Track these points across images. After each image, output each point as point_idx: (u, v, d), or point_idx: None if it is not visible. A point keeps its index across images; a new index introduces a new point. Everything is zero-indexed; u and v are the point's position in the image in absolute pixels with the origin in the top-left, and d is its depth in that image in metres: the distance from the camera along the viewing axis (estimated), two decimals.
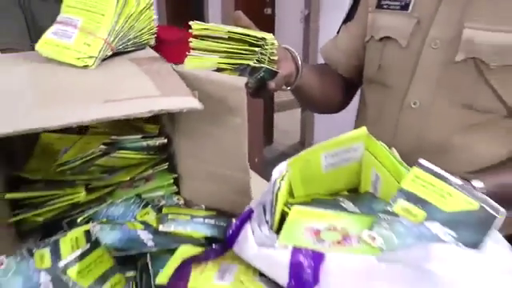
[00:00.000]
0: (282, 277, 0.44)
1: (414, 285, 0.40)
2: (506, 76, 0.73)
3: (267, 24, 3.38)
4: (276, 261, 0.44)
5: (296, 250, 0.44)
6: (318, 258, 0.43)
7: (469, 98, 0.76)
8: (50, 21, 0.66)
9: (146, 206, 0.69)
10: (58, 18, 0.64)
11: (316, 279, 0.42)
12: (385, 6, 0.88)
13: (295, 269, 0.43)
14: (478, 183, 0.67)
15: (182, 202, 0.72)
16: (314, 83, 0.92)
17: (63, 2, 0.65)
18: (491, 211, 0.44)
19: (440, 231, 0.45)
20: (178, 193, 0.73)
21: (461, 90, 0.77)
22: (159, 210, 0.69)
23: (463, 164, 0.77)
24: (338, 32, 1.01)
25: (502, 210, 0.44)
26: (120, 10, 0.63)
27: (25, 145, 0.70)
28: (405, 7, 0.85)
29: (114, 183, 0.68)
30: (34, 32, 1.42)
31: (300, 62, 0.83)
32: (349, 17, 0.98)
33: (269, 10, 3.52)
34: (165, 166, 0.72)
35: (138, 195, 0.70)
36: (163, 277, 0.52)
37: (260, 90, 0.75)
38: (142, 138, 0.68)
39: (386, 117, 0.86)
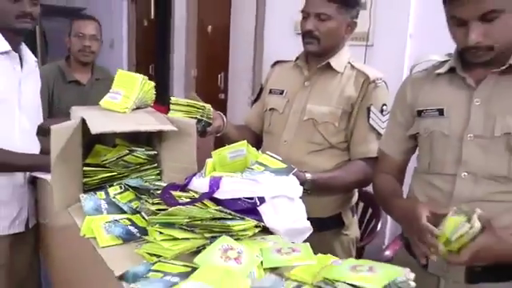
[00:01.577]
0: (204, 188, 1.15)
1: (252, 186, 1.13)
2: (328, 127, 1.53)
3: (221, 106, 4.21)
4: (202, 182, 1.16)
5: (212, 178, 1.16)
6: (218, 179, 1.15)
7: (310, 138, 1.55)
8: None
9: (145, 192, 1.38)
10: (111, 90, 1.39)
11: (218, 186, 1.14)
12: (273, 93, 1.69)
13: (211, 181, 1.15)
14: (308, 175, 1.43)
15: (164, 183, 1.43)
16: (234, 133, 1.68)
17: (114, 81, 1.41)
18: (292, 170, 1.19)
19: (269, 173, 1.19)
20: (160, 179, 1.44)
21: (306, 134, 1.55)
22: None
23: (309, 169, 1.52)
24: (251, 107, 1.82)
25: (294, 168, 1.20)
26: (140, 88, 1.39)
27: (87, 152, 1.41)
28: (282, 93, 1.65)
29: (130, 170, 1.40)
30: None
31: (225, 120, 1.61)
32: (256, 99, 1.78)
33: (222, 95, 4.38)
34: (155, 164, 1.44)
35: (141, 177, 1.41)
36: None
37: (203, 132, 1.51)
38: (145, 149, 1.40)
39: (274, 147, 1.60)
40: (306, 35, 1.55)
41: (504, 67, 1.13)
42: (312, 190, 1.40)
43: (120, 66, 5.51)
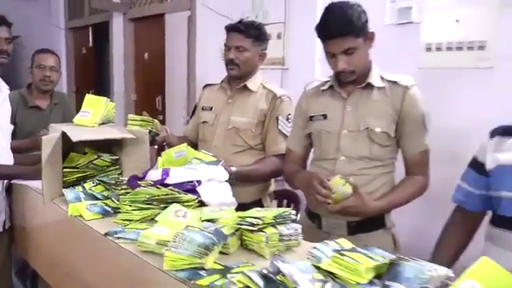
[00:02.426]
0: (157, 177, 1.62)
1: (192, 173, 1.61)
2: (247, 133, 2.05)
3: None
4: (156, 173, 1.63)
5: (163, 169, 1.64)
6: (167, 170, 1.63)
7: (234, 142, 2.06)
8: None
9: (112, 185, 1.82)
10: (82, 110, 1.84)
11: (167, 175, 1.61)
12: (204, 109, 2.19)
13: (162, 172, 1.62)
14: (234, 168, 1.93)
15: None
16: (176, 142, 2.16)
17: (83, 103, 1.85)
18: (220, 162, 1.69)
19: (203, 164, 1.69)
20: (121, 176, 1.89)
21: (231, 139, 2.06)
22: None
23: (236, 165, 2.01)
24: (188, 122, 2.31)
25: (222, 160, 1.70)
26: (105, 107, 1.85)
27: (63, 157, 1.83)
28: (211, 109, 2.16)
29: (98, 171, 1.84)
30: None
31: (169, 132, 2.09)
32: (192, 115, 2.28)
33: (161, 117, 4.82)
34: (117, 166, 1.88)
35: (107, 176, 1.85)
36: None
37: (152, 141, 1.99)
38: (109, 155, 1.85)
39: (207, 151, 2.08)
40: (229, 63, 2.08)
41: (364, 84, 1.70)
42: (237, 179, 1.90)
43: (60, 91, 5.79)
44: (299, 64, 3.25)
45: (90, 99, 1.91)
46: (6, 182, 2.09)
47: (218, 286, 1.00)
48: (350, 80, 1.69)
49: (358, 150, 1.69)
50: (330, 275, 1.01)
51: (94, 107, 1.86)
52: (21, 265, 2.59)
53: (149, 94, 5.14)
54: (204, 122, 2.19)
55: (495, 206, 1.34)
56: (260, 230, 1.22)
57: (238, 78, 2.11)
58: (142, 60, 5.30)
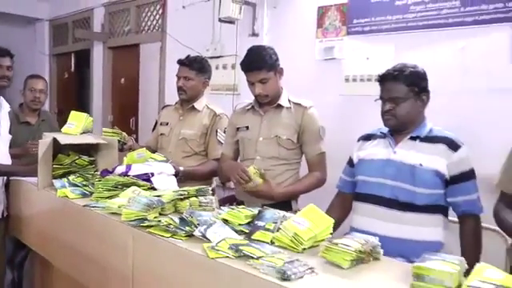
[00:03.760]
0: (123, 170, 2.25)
1: (147, 168, 2.25)
2: (194, 142, 2.70)
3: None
4: (122, 168, 2.26)
5: (127, 165, 2.26)
6: (130, 165, 2.26)
7: (183, 149, 2.71)
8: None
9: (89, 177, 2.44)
10: (68, 122, 2.47)
11: (130, 169, 2.24)
12: (162, 124, 2.84)
13: (126, 167, 2.25)
14: (181, 168, 2.56)
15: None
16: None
17: (69, 118, 2.49)
18: (169, 161, 2.34)
19: (156, 162, 2.33)
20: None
21: (181, 147, 2.72)
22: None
23: (184, 166, 2.65)
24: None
25: (170, 160, 2.35)
26: (85, 120, 2.48)
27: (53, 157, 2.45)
28: (167, 124, 2.81)
29: (79, 168, 2.46)
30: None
31: (134, 142, 2.74)
32: (153, 129, 2.93)
33: (134, 136, 5.41)
34: (93, 165, 2.51)
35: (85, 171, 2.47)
36: None
37: (121, 149, 2.63)
38: (88, 156, 2.48)
39: (168, 155, 2.74)
40: (179, 89, 2.75)
41: (275, 105, 2.37)
42: (184, 176, 2.52)
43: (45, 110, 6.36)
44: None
45: (74, 114, 2.54)
46: (4, 178, 2.68)
47: (153, 224, 1.63)
48: (265, 102, 2.36)
49: (269, 151, 2.34)
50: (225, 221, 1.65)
51: (77, 120, 2.49)
52: (9, 256, 3.13)
53: (124, 116, 5.75)
54: (162, 134, 2.84)
55: (356, 187, 2.01)
56: (186, 198, 1.86)
57: (186, 100, 2.78)
58: (119, 84, 5.93)
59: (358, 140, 2.11)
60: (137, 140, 5.46)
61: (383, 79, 1.91)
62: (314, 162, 2.36)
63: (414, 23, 3.01)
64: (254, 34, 3.96)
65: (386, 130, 1.97)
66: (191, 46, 4.50)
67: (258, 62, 2.26)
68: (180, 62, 2.77)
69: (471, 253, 1.72)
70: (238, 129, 2.46)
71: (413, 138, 1.87)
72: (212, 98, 4.19)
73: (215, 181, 2.88)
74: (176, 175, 2.37)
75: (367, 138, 2.07)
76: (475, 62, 2.72)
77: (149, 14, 5.38)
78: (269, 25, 3.93)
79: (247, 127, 2.42)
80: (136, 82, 5.47)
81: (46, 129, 3.37)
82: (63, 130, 2.48)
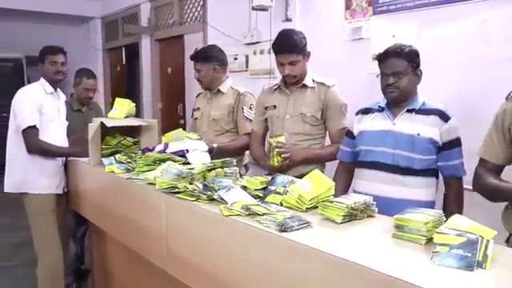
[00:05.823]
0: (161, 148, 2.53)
1: (183, 145, 2.52)
2: (222, 121, 2.96)
3: None
4: (160, 146, 2.55)
5: (165, 143, 2.55)
6: (167, 144, 2.54)
7: (214, 128, 2.97)
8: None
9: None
10: (113, 108, 2.78)
11: (167, 147, 2.52)
12: (196, 110, 3.11)
13: (164, 145, 2.53)
14: (215, 144, 2.83)
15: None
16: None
17: (114, 104, 2.80)
18: (202, 139, 2.61)
19: (190, 141, 2.60)
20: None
21: (212, 127, 2.97)
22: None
23: (217, 142, 2.92)
24: None
25: (203, 138, 2.61)
26: (128, 105, 2.79)
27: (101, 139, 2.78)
28: (199, 109, 3.08)
29: (124, 148, 2.77)
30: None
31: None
32: (183, 118, 3.20)
33: (182, 121, 5.77)
34: (137, 145, 2.82)
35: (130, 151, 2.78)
36: None
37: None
38: (132, 137, 2.79)
39: (202, 134, 3.02)
40: (197, 80, 3.03)
41: (300, 85, 2.56)
42: (217, 153, 2.77)
43: (99, 102, 6.85)
44: None
45: (118, 101, 2.86)
46: (64, 159, 3.05)
47: (181, 190, 1.90)
48: (292, 82, 2.56)
49: (295, 128, 2.55)
50: (244, 187, 1.88)
51: (121, 106, 2.81)
52: (72, 230, 3.54)
53: (172, 103, 6.11)
54: (196, 119, 3.12)
55: (358, 156, 2.19)
56: (213, 169, 2.11)
57: (208, 87, 3.06)
58: (166, 74, 6.29)
59: (357, 113, 2.28)
60: (184, 126, 5.87)
61: (386, 56, 2.06)
62: (336, 135, 2.54)
63: None
64: (288, 20, 4.14)
65: (383, 104, 2.14)
66: (230, 34, 4.76)
67: (291, 46, 2.44)
68: (190, 58, 3.06)
69: (454, 210, 1.86)
70: (266, 108, 2.68)
71: (409, 111, 2.04)
72: (251, 81, 4.46)
73: (248, 157, 3.12)
74: (210, 151, 2.62)
75: (365, 111, 2.23)
76: (497, 33, 2.78)
77: (191, 6, 5.67)
78: (300, 10, 4.10)
79: (274, 106, 2.64)
80: (182, 71, 5.79)
81: (94, 115, 3.74)
82: (109, 114, 2.80)
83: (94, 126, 2.59)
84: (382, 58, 2.07)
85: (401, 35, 3.32)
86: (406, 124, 2.02)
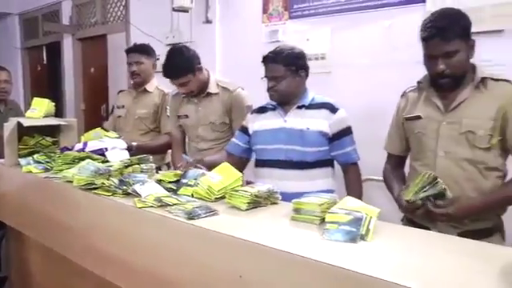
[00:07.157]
0: (80, 146, 2.58)
1: (102, 143, 2.58)
2: (147, 121, 3.05)
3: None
4: (79, 145, 2.59)
5: (83, 142, 2.60)
6: (86, 143, 2.59)
7: (138, 127, 3.05)
8: None
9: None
10: (31, 108, 2.78)
11: (86, 146, 2.57)
12: (117, 107, 3.17)
13: (83, 144, 2.58)
14: (134, 143, 2.91)
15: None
16: None
17: (32, 104, 2.80)
18: (121, 137, 2.68)
19: (109, 139, 2.66)
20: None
21: (137, 126, 3.05)
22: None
23: (138, 142, 3.00)
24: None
25: (122, 136, 2.69)
26: (47, 105, 2.80)
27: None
28: (123, 107, 3.14)
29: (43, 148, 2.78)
30: None
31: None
32: (111, 112, 3.25)
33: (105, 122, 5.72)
34: (56, 145, 2.83)
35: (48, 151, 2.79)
36: None
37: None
38: (50, 137, 2.80)
39: (125, 134, 3.08)
40: (132, 74, 3.10)
41: (204, 94, 2.69)
42: (137, 152, 2.84)
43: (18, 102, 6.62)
44: None
45: (37, 101, 2.86)
46: None
47: (98, 186, 1.98)
48: (192, 95, 2.68)
49: (208, 135, 2.70)
50: (159, 181, 1.99)
51: (40, 105, 2.81)
52: None
53: (95, 103, 6.04)
54: (119, 117, 3.18)
55: (255, 154, 2.34)
56: (130, 165, 2.21)
57: (139, 84, 3.10)
58: (89, 74, 6.21)
59: (252, 113, 2.39)
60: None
61: (264, 61, 2.19)
62: None
63: (347, 6, 3.36)
64: (208, 21, 4.28)
65: (275, 102, 2.26)
66: (152, 34, 4.81)
67: (176, 72, 2.55)
68: (129, 50, 3.11)
69: (353, 193, 1.97)
70: (179, 116, 2.81)
71: (299, 107, 2.19)
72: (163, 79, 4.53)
73: (170, 155, 3.22)
74: (129, 149, 2.70)
75: (259, 110, 2.35)
76: (400, 39, 3.05)
77: (113, 5, 5.65)
78: (220, 12, 4.25)
79: (186, 115, 2.78)
80: (105, 71, 5.75)
81: (13, 115, 3.67)
82: (27, 114, 2.80)
83: (10, 126, 2.59)
84: (263, 62, 2.20)
85: (315, 39, 3.56)
86: (297, 120, 2.16)
